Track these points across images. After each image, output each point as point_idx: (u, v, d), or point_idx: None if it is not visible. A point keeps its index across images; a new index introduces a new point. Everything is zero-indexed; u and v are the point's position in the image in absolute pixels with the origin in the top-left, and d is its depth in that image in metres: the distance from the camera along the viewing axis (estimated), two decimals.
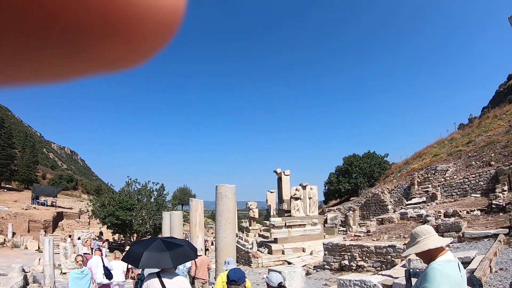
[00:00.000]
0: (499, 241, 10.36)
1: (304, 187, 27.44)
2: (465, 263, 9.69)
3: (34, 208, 52.05)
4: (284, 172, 29.81)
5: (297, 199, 26.49)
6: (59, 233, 46.88)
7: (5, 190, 65.75)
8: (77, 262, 9.79)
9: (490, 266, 8.13)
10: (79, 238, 37.28)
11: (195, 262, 11.69)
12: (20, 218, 44.80)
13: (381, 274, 9.48)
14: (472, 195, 23.14)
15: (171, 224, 18.93)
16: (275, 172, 30.62)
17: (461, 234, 12.39)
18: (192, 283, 11.65)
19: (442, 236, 13.08)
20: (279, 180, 30.32)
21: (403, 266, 11.62)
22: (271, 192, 33.89)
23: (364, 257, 15.26)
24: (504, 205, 14.76)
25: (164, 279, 5.01)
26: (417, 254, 3.24)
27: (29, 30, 0.21)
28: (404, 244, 13.93)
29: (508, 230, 11.29)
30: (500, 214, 14.33)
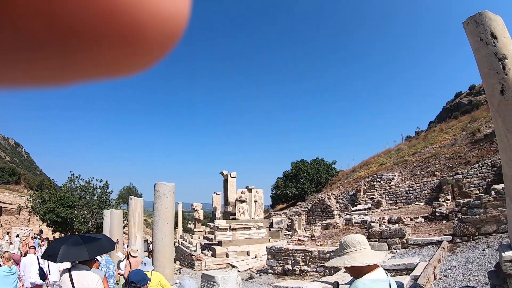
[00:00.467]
0: (443, 248, 10.12)
1: (250, 190, 26.87)
2: (409, 269, 9.34)
3: None
4: (230, 174, 29.07)
5: (242, 201, 25.88)
6: None
7: None
8: (5, 258, 8.90)
9: (434, 273, 7.75)
10: (17, 236, 35.19)
11: (130, 263, 10.49)
12: None
13: (321, 281, 8.94)
14: (416, 203, 23.34)
15: (111, 224, 17.93)
16: (222, 173, 29.85)
17: (404, 241, 12.14)
18: (126, 285, 10.70)
19: (386, 242, 12.88)
20: (225, 182, 29.55)
21: (345, 272, 11.24)
22: (217, 194, 33.10)
23: (307, 262, 14.83)
24: (447, 213, 14.77)
25: (74, 275, 4.96)
26: (345, 267, 2.77)
27: (32, 34, 0.20)
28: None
29: (451, 237, 11.12)
30: (444, 222, 14.30)
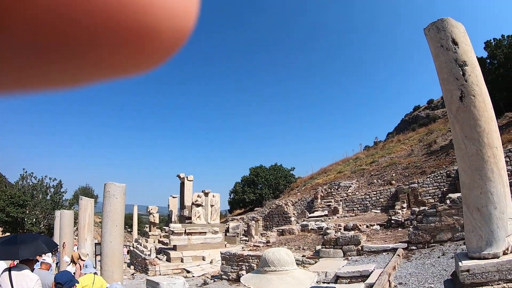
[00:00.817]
0: (398, 255, 9.85)
1: (206, 194, 26.25)
2: (364, 276, 9.00)
3: None
4: (187, 177, 28.26)
5: (198, 205, 25.19)
6: None
7: None
8: None
9: (389, 281, 7.40)
10: None
11: (80, 267, 10.21)
12: None
13: None
14: (373, 210, 23.35)
15: (61, 225, 16.76)
16: (178, 176, 28.97)
17: (360, 248, 11.86)
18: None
19: (341, 249, 12.55)
20: (182, 185, 28.67)
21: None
22: (173, 197, 32.22)
23: None
24: (403, 221, 14.67)
25: (13, 274, 4.92)
26: None
27: (37, 34, 0.21)
28: (303, 256, 13.22)
29: (406, 244, 10.92)
30: (399, 229, 14.17)
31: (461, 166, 4.28)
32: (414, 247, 10.59)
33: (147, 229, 33.84)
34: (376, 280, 7.33)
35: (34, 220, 35.91)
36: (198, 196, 25.49)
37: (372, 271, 8.97)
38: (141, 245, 26.90)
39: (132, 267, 24.89)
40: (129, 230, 50.22)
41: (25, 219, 35.45)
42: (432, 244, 10.26)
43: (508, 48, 26.60)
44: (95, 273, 7.42)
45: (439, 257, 8.88)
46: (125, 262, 26.96)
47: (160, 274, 21.01)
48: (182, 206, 28.36)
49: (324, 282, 9.71)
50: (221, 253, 16.67)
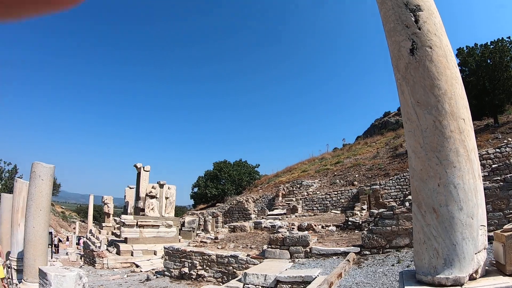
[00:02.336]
0: (347, 260, 8.64)
1: (161, 186, 24.82)
2: (306, 282, 7.82)
3: None
4: (144, 167, 26.59)
5: (152, 197, 23.83)
6: None
7: None
8: None
9: None
10: None
11: None
12: None
13: None
14: (333, 211, 22.42)
15: (1, 209, 15.51)
16: (135, 166, 27.26)
17: (308, 249, 10.66)
18: None
19: (288, 250, 11.32)
20: (138, 175, 27.06)
21: (239, 280, 9.60)
22: (130, 188, 30.59)
23: (205, 266, 13.17)
24: (360, 222, 13.57)
25: None
26: None
27: None
28: (247, 255, 12.03)
29: (359, 248, 9.71)
30: (356, 231, 13.07)
31: (411, 146, 2.93)
32: (367, 252, 9.43)
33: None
34: None
35: None
36: (153, 187, 24.14)
37: (315, 278, 7.80)
38: (93, 236, 25.47)
39: (82, 258, 23.61)
40: (84, 220, 48.68)
41: None
42: (388, 250, 9.12)
43: (481, 57, 26.06)
44: None
45: (393, 265, 7.72)
46: (78, 253, 25.49)
47: (108, 268, 19.77)
48: (137, 197, 26.85)
49: (262, 287, 8.52)
50: (164, 248, 15.56)
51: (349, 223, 14.03)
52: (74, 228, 53.28)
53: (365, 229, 11.44)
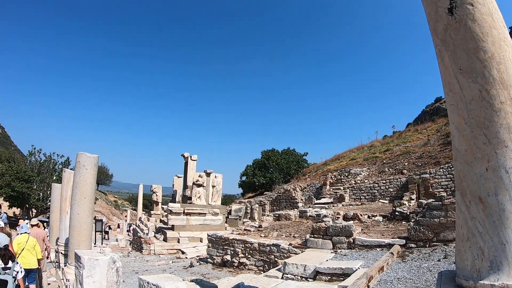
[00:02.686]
0: (391, 253, 8.04)
1: (208, 174, 24.85)
2: (346, 275, 7.35)
3: None
4: (191, 156, 26.80)
5: (199, 186, 23.89)
6: None
7: None
8: None
9: (368, 286, 5.70)
10: None
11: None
12: None
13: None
14: (380, 200, 21.57)
15: (52, 198, 16.39)
16: (183, 156, 27.58)
17: (351, 240, 10.10)
18: None
19: (331, 240, 10.83)
20: (186, 165, 27.30)
21: (279, 270, 9.24)
22: (178, 177, 30.93)
23: (247, 254, 12.91)
24: (408, 213, 12.79)
25: None
26: None
27: None
28: (290, 244, 11.65)
29: (405, 241, 9.06)
30: (403, 222, 12.32)
31: (454, 122, 2.38)
32: (413, 245, 8.75)
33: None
34: (352, 283, 5.67)
35: (41, 195, 35.53)
36: (200, 176, 24.19)
37: (356, 270, 7.31)
38: (142, 223, 26.01)
39: (131, 245, 24.20)
40: (135, 208, 50.14)
41: (31, 194, 35.28)
42: (435, 243, 8.43)
43: None
44: (29, 233, 9.01)
45: (439, 260, 7.07)
46: (127, 240, 26.11)
47: (154, 254, 20.08)
48: (185, 186, 27.12)
49: (301, 277, 8.14)
50: (208, 235, 15.45)
51: (396, 213, 13.30)
52: (125, 216, 54.98)
53: (412, 220, 10.77)
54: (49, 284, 11.37)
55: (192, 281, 5.66)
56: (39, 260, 9.27)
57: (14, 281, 5.51)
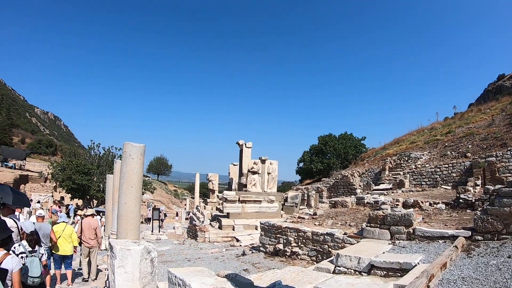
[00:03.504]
0: (455, 246, 7.16)
1: (263, 161, 24.44)
2: (404, 270, 6.65)
3: None
4: (246, 144, 26.57)
5: (254, 173, 23.56)
6: None
7: None
8: None
9: (428, 286, 5.00)
10: (38, 202, 36.10)
11: (81, 224, 11.36)
12: None
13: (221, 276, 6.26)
14: (443, 186, 20.18)
15: (107, 189, 17.28)
16: (238, 143, 27.42)
17: (411, 230, 9.24)
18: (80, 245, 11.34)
19: (389, 230, 10.02)
20: (241, 152, 27.12)
21: (331, 261, 8.63)
22: (234, 164, 30.86)
23: (299, 243, 12.38)
24: (473, 200, 11.64)
25: None
26: None
27: None
28: (345, 234, 10.99)
29: (470, 232, 8.09)
30: (467, 211, 11.21)
31: None
32: (479, 237, 7.72)
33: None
34: (410, 283, 5.00)
35: (101, 186, 37.16)
36: (254, 163, 23.86)
37: (415, 266, 6.58)
38: (199, 212, 26.16)
39: (187, 233, 24.48)
40: (192, 197, 51.21)
41: (91, 186, 37.02)
42: (504, 236, 7.40)
43: None
44: (67, 223, 10.49)
45: (509, 257, 6.11)
46: (184, 228, 26.43)
47: (209, 241, 20.05)
48: (240, 173, 26.98)
49: (355, 270, 7.51)
50: (260, 223, 15.05)
51: (460, 200, 12.18)
52: (184, 205, 56.19)
53: (478, 209, 9.73)
54: (100, 271, 11.83)
55: (225, 276, 5.23)
56: (75, 247, 10.55)
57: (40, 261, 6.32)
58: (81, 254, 11.85)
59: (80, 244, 11.28)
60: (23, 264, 5.57)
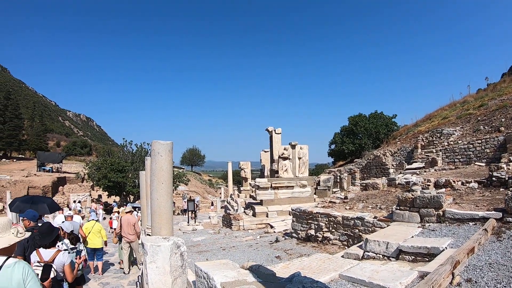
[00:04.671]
0: (485, 229, 6.92)
1: (293, 146, 24.41)
2: (432, 255, 6.54)
3: (35, 175, 51.63)
4: (275, 130, 26.52)
5: (285, 159, 23.57)
6: (58, 197, 46.38)
7: (14, 160, 67.99)
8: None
9: (453, 273, 4.89)
10: (78, 202, 38.00)
11: (121, 221, 12.25)
12: (19, 185, 44.33)
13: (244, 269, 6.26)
14: (476, 163, 19.47)
15: (140, 185, 17.19)
16: (267, 130, 27.43)
17: (441, 213, 9.02)
18: (120, 241, 12.41)
19: (418, 212, 9.79)
20: (271, 139, 27.12)
21: (360, 246, 8.57)
22: (265, 151, 30.90)
23: (331, 228, 12.41)
24: (506, 178, 11.15)
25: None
26: None
27: None
28: (375, 217, 10.88)
29: (501, 213, 7.80)
30: (501, 189, 10.69)
31: None
32: (511, 219, 7.50)
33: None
34: (433, 270, 4.90)
35: (137, 182, 38.12)
36: (285, 149, 23.88)
37: (443, 250, 6.45)
38: (233, 200, 26.40)
39: (222, 221, 24.80)
40: (226, 185, 51.74)
41: (126, 183, 37.94)
42: None
43: None
44: (97, 220, 11.94)
45: None
46: (219, 217, 26.79)
47: (243, 229, 20.26)
48: (272, 160, 27.02)
49: (383, 255, 7.44)
50: (292, 209, 15.17)
51: (493, 178, 11.63)
52: (220, 193, 56.73)
53: (511, 188, 9.42)
54: (141, 264, 12.35)
55: (249, 268, 5.30)
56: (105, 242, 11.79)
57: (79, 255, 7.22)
58: (121, 248, 12.53)
59: (120, 239, 12.35)
60: None
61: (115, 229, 13.29)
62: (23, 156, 77.16)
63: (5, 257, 3.43)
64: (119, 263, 13.04)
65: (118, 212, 16.06)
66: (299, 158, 24.53)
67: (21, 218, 9.60)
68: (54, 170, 59.75)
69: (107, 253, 15.17)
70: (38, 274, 4.48)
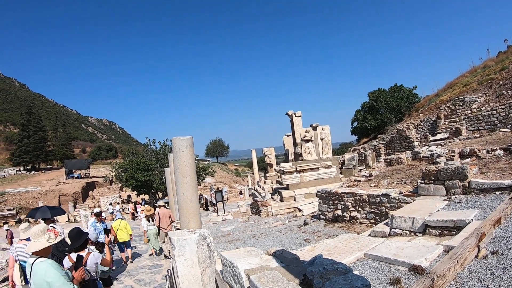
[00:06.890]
0: (511, 199, 6.81)
1: (314, 128, 24.19)
2: (458, 228, 6.45)
3: (64, 183, 53.43)
4: (295, 113, 26.36)
5: (307, 141, 23.43)
6: (89, 202, 47.95)
7: (43, 171, 70.44)
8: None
9: (479, 246, 4.81)
10: (110, 204, 38.73)
11: (158, 214, 13.47)
12: (50, 194, 45.81)
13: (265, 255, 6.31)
14: (502, 129, 18.88)
15: (166, 181, 18.20)
16: (287, 114, 27.28)
17: (466, 184, 8.82)
18: (158, 232, 13.78)
19: (443, 185, 9.58)
20: (292, 122, 26.99)
21: (386, 224, 8.48)
22: (287, 135, 30.82)
23: (357, 207, 12.36)
24: None
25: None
26: None
27: None
28: (400, 193, 10.76)
29: None
30: None
31: None
32: None
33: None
34: (458, 245, 4.83)
35: (164, 179, 38.70)
36: (306, 131, 23.72)
37: (469, 223, 6.34)
38: (259, 187, 26.48)
39: (250, 209, 24.95)
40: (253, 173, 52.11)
41: (153, 181, 38.50)
42: None
43: None
44: (122, 219, 13.45)
45: None
46: (248, 205, 26.95)
47: (272, 215, 20.30)
48: (295, 143, 26.93)
49: (410, 231, 7.36)
50: (317, 191, 15.13)
51: None
52: (247, 182, 56.92)
53: None
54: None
55: (273, 253, 5.35)
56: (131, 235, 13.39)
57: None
58: (156, 239, 13.93)
59: (158, 231, 13.81)
60: None
61: (145, 231, 14.35)
62: (51, 166, 79.54)
63: (36, 257, 4.27)
64: (151, 253, 14.38)
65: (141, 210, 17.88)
66: (322, 139, 24.34)
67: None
68: (82, 176, 61.32)
69: (135, 247, 16.23)
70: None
